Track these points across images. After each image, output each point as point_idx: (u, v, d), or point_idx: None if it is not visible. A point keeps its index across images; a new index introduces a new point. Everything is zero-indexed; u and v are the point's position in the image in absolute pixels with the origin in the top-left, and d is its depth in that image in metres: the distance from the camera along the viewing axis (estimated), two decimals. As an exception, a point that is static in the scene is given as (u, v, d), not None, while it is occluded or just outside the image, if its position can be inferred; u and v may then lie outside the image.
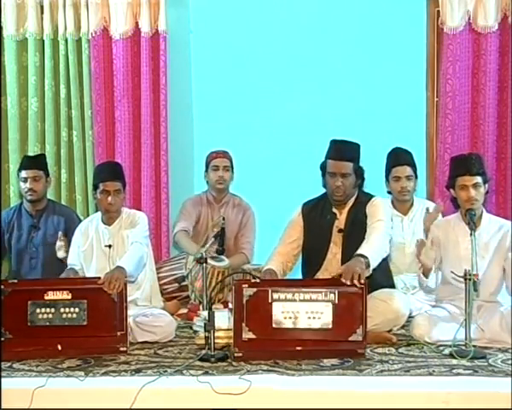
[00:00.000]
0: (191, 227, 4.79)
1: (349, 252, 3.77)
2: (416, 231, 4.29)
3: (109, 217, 4.03)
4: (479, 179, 3.66)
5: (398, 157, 4.42)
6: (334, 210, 3.98)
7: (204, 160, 4.88)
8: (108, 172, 4.07)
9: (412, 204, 4.47)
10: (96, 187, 4.03)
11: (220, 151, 4.85)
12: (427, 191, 5.16)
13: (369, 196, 4.00)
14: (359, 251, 3.58)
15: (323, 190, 4.06)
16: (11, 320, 3.48)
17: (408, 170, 4.39)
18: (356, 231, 3.87)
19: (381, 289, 3.82)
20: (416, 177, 4.46)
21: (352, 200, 3.98)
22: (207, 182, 4.89)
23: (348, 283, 3.33)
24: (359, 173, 3.95)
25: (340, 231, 3.93)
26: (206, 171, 4.85)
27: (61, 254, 4.26)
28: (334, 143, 3.98)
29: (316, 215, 4.00)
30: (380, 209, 3.90)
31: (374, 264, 3.59)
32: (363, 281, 3.36)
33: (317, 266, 3.92)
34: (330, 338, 3.33)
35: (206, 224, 4.83)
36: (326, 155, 3.99)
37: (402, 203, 4.44)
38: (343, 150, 3.92)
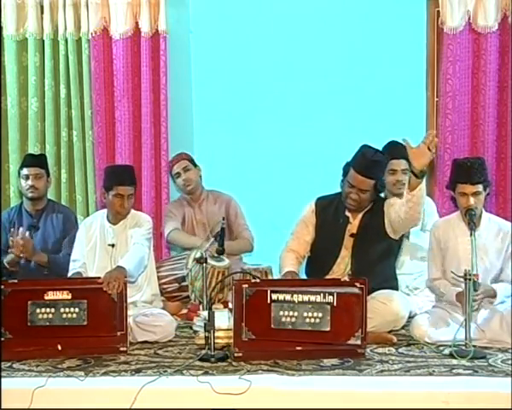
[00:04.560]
0: (180, 227, 4.81)
1: (359, 256, 3.79)
2: None
3: (116, 217, 4.03)
4: (479, 188, 3.63)
5: (394, 151, 4.38)
6: (348, 213, 3.95)
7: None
8: (124, 176, 4.04)
9: None
10: (108, 189, 4.00)
11: (175, 157, 4.91)
12: (426, 191, 5.14)
13: (385, 199, 4.01)
14: None
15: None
16: (11, 320, 3.48)
17: (404, 163, 4.32)
18: (368, 235, 3.88)
19: (382, 290, 3.82)
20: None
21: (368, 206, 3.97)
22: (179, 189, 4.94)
23: None
24: (379, 188, 3.92)
25: (352, 235, 3.92)
26: (173, 181, 4.92)
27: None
28: (363, 154, 3.83)
29: (329, 215, 3.98)
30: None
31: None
32: None
33: (325, 269, 3.90)
34: (329, 341, 3.31)
35: (191, 224, 4.86)
36: (352, 161, 3.87)
37: (396, 196, 4.43)
38: (369, 168, 3.81)
